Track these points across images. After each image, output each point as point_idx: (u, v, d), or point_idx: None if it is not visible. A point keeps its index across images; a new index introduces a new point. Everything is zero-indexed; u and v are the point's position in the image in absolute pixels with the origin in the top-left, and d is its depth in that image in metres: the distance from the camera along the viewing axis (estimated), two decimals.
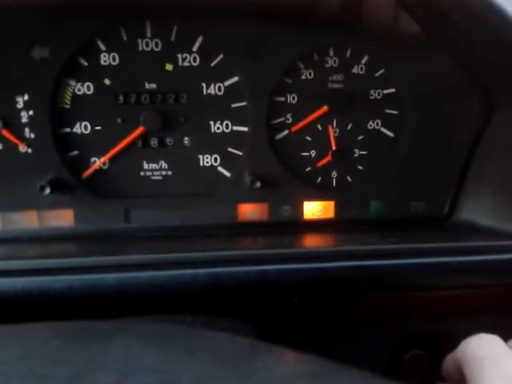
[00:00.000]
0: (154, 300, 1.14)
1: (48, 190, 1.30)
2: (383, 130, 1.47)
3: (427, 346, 1.37)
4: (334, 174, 1.47)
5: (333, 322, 1.28)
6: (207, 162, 1.44)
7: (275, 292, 1.14)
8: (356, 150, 1.47)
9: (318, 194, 1.46)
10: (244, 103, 1.41)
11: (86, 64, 1.34)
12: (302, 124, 1.43)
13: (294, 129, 1.43)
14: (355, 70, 1.43)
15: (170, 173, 1.43)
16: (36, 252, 1.25)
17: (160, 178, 1.43)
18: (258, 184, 1.38)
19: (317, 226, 1.45)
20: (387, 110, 1.46)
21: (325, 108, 1.42)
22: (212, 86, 1.40)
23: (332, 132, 1.44)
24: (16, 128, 1.34)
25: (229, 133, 1.43)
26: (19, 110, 1.34)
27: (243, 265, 1.11)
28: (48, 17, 1.26)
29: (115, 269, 1.10)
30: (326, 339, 1.28)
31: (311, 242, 1.34)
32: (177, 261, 1.12)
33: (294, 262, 1.13)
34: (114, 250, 1.25)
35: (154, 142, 1.41)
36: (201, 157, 1.44)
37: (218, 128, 1.43)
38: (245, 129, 1.42)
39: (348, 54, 1.42)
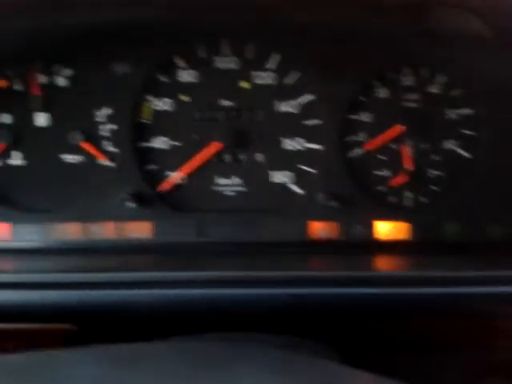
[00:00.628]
0: (234, 317, 1.15)
1: (131, 203, 1.34)
2: (459, 150, 1.44)
3: (504, 375, 1.33)
4: (408, 195, 1.45)
5: (410, 346, 1.26)
6: (279, 179, 1.45)
7: (353, 315, 1.14)
8: (431, 171, 1.45)
9: (391, 214, 1.43)
10: (318, 121, 1.42)
11: (165, 81, 1.38)
12: (376, 142, 1.42)
13: (368, 147, 1.42)
14: (431, 89, 1.41)
15: (242, 188, 1.45)
16: (117, 264, 1.29)
17: (232, 193, 1.45)
18: (334, 203, 1.37)
19: (389, 246, 1.43)
20: (463, 131, 1.43)
21: (400, 128, 1.41)
22: (287, 103, 1.41)
23: (407, 152, 1.42)
24: (96, 141, 1.40)
25: (302, 150, 1.43)
26: (100, 124, 1.39)
27: (324, 286, 1.11)
28: (130, 34, 1.30)
29: (199, 284, 1.12)
30: (404, 364, 1.25)
31: (387, 264, 1.32)
32: (258, 279, 1.13)
33: (374, 286, 1.11)
34: (192, 264, 1.28)
35: (228, 157, 1.43)
36: (273, 173, 1.45)
37: (291, 145, 1.43)
38: (318, 146, 1.43)
39: (424, 73, 1.41)
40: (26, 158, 1.40)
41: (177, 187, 1.43)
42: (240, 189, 1.45)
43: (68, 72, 1.35)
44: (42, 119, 1.37)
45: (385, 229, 1.43)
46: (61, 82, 1.36)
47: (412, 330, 1.27)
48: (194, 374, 0.62)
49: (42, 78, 1.35)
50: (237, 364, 0.65)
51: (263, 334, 1.09)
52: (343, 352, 1.10)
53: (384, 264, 1.34)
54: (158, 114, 1.40)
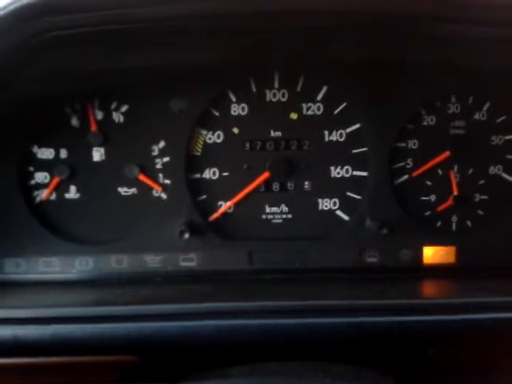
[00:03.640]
0: (288, 345, 1.18)
1: (187, 235, 1.38)
2: (504, 175, 1.46)
3: None
4: (455, 219, 1.47)
5: (464, 372, 1.27)
6: (326, 206, 1.48)
7: (412, 343, 1.15)
8: (477, 195, 1.46)
9: (438, 239, 1.45)
10: (365, 149, 1.44)
11: (217, 114, 1.42)
12: (423, 168, 1.44)
13: (415, 174, 1.45)
14: (477, 116, 1.44)
15: (290, 216, 1.48)
16: (172, 295, 1.32)
17: (280, 221, 1.48)
18: (385, 230, 1.39)
19: (437, 271, 1.44)
20: (508, 156, 1.45)
21: (447, 153, 1.43)
22: (334, 132, 1.44)
23: (453, 177, 1.45)
24: (151, 173, 1.43)
25: (349, 177, 1.46)
26: (154, 157, 1.43)
27: (384, 315, 1.13)
28: (186, 72, 1.34)
29: (256, 315, 1.15)
30: None
31: (438, 290, 1.34)
32: (314, 308, 1.16)
33: (433, 314, 1.14)
34: (245, 294, 1.30)
35: (276, 186, 1.46)
36: (320, 201, 1.48)
37: (338, 173, 1.46)
38: (365, 173, 1.45)
39: (470, 101, 1.43)
40: (81, 191, 1.44)
41: (227, 216, 1.47)
42: (288, 216, 1.48)
43: (124, 108, 1.40)
44: (98, 154, 1.41)
45: (433, 253, 1.46)
46: (117, 117, 1.40)
47: (464, 354, 1.28)
48: None
49: (99, 114, 1.40)
50: None
51: (320, 362, 1.11)
52: (398, 377, 1.11)
53: (435, 290, 1.36)
54: (210, 146, 1.43)
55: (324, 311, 1.18)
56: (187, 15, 1.05)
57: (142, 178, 1.42)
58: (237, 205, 1.46)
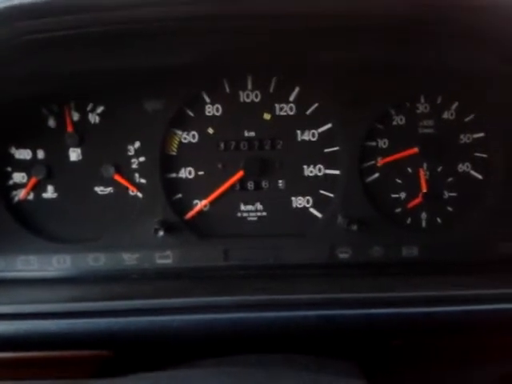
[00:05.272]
0: (261, 339, 1.21)
1: (161, 232, 1.41)
2: (472, 172, 1.50)
3: None
4: (424, 216, 1.51)
5: (431, 363, 1.31)
6: (300, 204, 1.51)
7: (380, 335, 1.19)
8: (446, 192, 1.51)
9: (408, 235, 1.49)
10: (337, 148, 1.48)
11: (192, 115, 1.45)
12: (390, 159, 1.48)
13: (381, 162, 1.48)
14: (446, 115, 1.48)
15: (264, 214, 1.51)
16: (148, 291, 1.35)
17: (255, 218, 1.51)
18: (355, 227, 1.43)
19: (407, 266, 1.48)
20: (476, 154, 1.49)
21: (415, 149, 1.47)
22: (306, 132, 1.48)
23: (423, 174, 1.49)
24: (127, 173, 1.46)
25: (321, 176, 1.50)
26: (130, 157, 1.46)
27: (350, 308, 1.17)
28: (161, 73, 1.37)
29: (229, 309, 1.18)
30: (424, 380, 1.31)
31: (407, 284, 1.37)
32: (286, 302, 1.19)
33: (400, 306, 1.18)
34: (220, 289, 1.33)
35: (250, 185, 1.50)
36: (294, 199, 1.51)
37: (311, 172, 1.50)
38: (337, 172, 1.49)
39: (439, 101, 1.47)
40: (58, 191, 1.47)
41: (202, 215, 1.50)
42: (263, 214, 1.51)
43: (100, 109, 1.42)
44: (74, 154, 1.44)
45: (403, 249, 1.50)
46: (93, 118, 1.43)
47: (433, 346, 1.32)
48: None
49: (76, 116, 1.43)
50: None
51: (290, 354, 1.15)
52: (368, 369, 1.15)
53: (402, 284, 1.39)
54: (184, 145, 1.47)
55: (294, 305, 1.21)
56: (161, 17, 1.08)
57: (117, 177, 1.45)
58: (212, 203, 1.50)
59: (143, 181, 1.46)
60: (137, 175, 1.46)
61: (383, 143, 1.49)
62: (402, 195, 1.51)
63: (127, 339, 1.20)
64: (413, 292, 1.27)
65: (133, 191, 1.47)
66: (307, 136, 1.48)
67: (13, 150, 1.45)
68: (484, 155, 1.50)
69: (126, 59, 1.23)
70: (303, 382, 0.77)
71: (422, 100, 1.47)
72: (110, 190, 1.47)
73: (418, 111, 1.48)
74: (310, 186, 1.50)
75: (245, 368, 0.98)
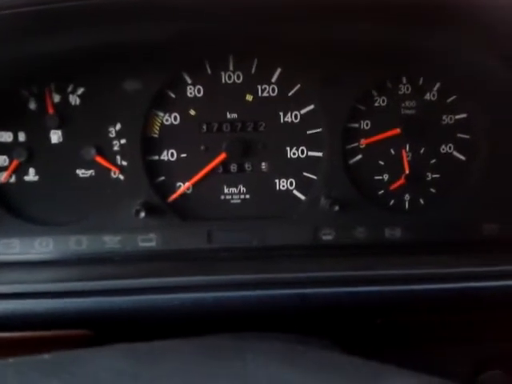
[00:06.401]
0: (243, 318, 1.21)
1: (143, 214, 1.41)
2: (455, 153, 1.50)
3: (504, 367, 1.38)
4: (407, 197, 1.51)
5: (411, 342, 1.32)
6: (283, 186, 1.51)
7: (361, 314, 1.20)
8: (429, 174, 1.51)
9: (391, 217, 1.50)
10: (319, 130, 1.48)
11: (173, 96, 1.45)
12: (373, 139, 1.48)
13: (364, 142, 1.48)
14: (427, 96, 1.48)
15: (248, 196, 1.51)
16: (130, 271, 1.35)
17: (239, 201, 1.51)
18: (337, 208, 1.43)
19: (389, 247, 1.48)
20: (459, 135, 1.50)
21: (397, 130, 1.47)
22: (289, 114, 1.48)
23: (405, 156, 1.49)
24: (108, 155, 1.46)
25: (304, 158, 1.50)
26: (111, 139, 1.45)
27: (332, 286, 1.17)
28: (140, 52, 1.37)
29: (212, 288, 1.19)
30: (405, 359, 1.31)
31: (389, 263, 1.37)
32: (268, 281, 1.19)
33: (381, 284, 1.18)
34: (203, 269, 1.34)
35: (233, 167, 1.50)
36: (277, 181, 1.51)
37: (294, 154, 1.50)
38: (320, 154, 1.49)
39: (421, 82, 1.47)
40: (40, 173, 1.46)
41: (185, 197, 1.50)
42: (246, 196, 1.51)
43: (80, 90, 1.42)
44: (55, 136, 1.43)
45: (385, 230, 1.50)
46: (74, 100, 1.42)
47: (414, 326, 1.33)
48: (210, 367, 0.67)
49: (56, 97, 1.42)
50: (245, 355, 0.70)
51: (267, 333, 1.15)
52: (347, 348, 1.15)
53: (386, 263, 1.39)
54: (167, 128, 1.46)
55: (276, 283, 1.22)
56: None
57: (98, 159, 1.44)
58: (195, 186, 1.49)
59: (125, 163, 1.46)
60: (118, 157, 1.46)
61: (365, 124, 1.49)
62: (385, 177, 1.51)
63: (110, 318, 1.20)
64: (394, 270, 1.28)
65: (114, 174, 1.46)
66: (290, 118, 1.48)
67: None
68: (467, 136, 1.50)
69: (104, 37, 1.22)
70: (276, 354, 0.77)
71: (404, 81, 1.47)
72: (91, 172, 1.46)
73: (400, 92, 1.47)
74: (293, 168, 1.50)
75: (221, 342, 0.97)
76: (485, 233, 1.51)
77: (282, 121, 1.48)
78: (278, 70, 1.45)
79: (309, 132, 1.48)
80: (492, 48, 1.34)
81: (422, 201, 1.52)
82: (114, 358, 0.73)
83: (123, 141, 1.45)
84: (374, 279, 1.23)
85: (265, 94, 1.46)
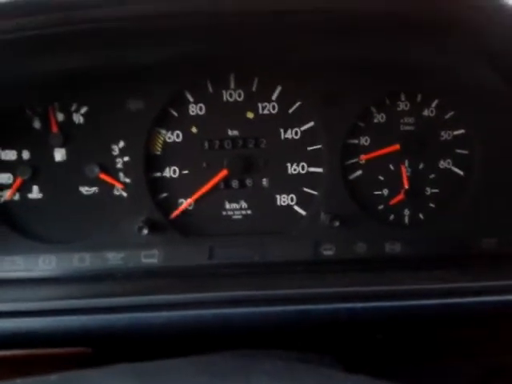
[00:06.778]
0: (244, 335, 1.22)
1: (146, 230, 1.42)
2: (454, 169, 1.52)
3: (506, 381, 1.39)
4: (407, 212, 1.53)
5: (412, 357, 1.33)
6: (284, 202, 1.53)
7: (361, 329, 1.20)
8: (428, 189, 1.52)
9: (391, 232, 1.51)
10: (319, 146, 1.50)
11: (175, 114, 1.47)
12: (373, 155, 1.50)
13: (363, 158, 1.50)
14: (426, 112, 1.50)
15: (249, 212, 1.53)
16: (133, 289, 1.36)
17: (240, 217, 1.53)
18: (337, 223, 1.45)
19: (389, 262, 1.50)
20: (457, 150, 1.52)
21: (396, 146, 1.49)
22: (289, 130, 1.50)
23: (404, 171, 1.51)
24: (111, 173, 1.48)
25: (304, 174, 1.52)
26: (115, 157, 1.47)
27: (333, 302, 1.18)
28: (143, 72, 1.39)
29: (213, 305, 1.19)
30: (407, 374, 1.32)
31: (389, 279, 1.38)
32: (269, 298, 1.20)
33: (382, 300, 1.19)
34: (204, 286, 1.35)
35: (235, 183, 1.51)
36: (278, 197, 1.53)
37: (295, 170, 1.52)
38: (320, 170, 1.51)
39: (419, 98, 1.49)
40: (44, 191, 1.48)
41: (187, 213, 1.51)
42: (247, 212, 1.53)
43: (84, 109, 1.44)
44: (59, 154, 1.45)
45: (386, 245, 1.51)
46: (77, 118, 1.45)
47: (417, 341, 1.34)
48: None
49: (60, 116, 1.44)
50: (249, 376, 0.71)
51: (270, 350, 1.16)
52: (347, 364, 1.16)
53: (386, 278, 1.40)
54: (168, 145, 1.48)
55: (277, 300, 1.23)
56: (143, 16, 1.10)
57: (102, 176, 1.46)
58: (197, 202, 1.51)
59: (128, 180, 1.48)
60: (121, 175, 1.48)
61: (365, 140, 1.51)
62: (385, 192, 1.53)
63: (111, 336, 1.21)
64: (395, 286, 1.29)
65: (117, 191, 1.48)
66: (290, 134, 1.50)
67: None
68: (465, 151, 1.52)
69: (107, 58, 1.25)
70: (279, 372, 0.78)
71: (403, 98, 1.49)
72: (94, 189, 1.48)
73: (399, 109, 1.50)
74: (293, 184, 1.52)
75: (224, 361, 0.98)
76: (484, 247, 1.52)
77: (282, 137, 1.50)
78: (279, 88, 1.47)
79: (309, 148, 1.50)
80: (490, 64, 1.36)
81: (421, 216, 1.54)
82: (121, 378, 0.74)
83: (126, 158, 1.47)
84: (374, 295, 1.24)
85: (265, 112, 1.48)
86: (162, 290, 1.32)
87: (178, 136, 1.48)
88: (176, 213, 1.50)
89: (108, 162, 1.47)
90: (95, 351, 1.20)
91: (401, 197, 1.51)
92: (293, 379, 0.69)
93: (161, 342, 1.23)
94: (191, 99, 1.46)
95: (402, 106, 1.50)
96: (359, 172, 1.52)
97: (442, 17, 1.16)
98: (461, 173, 1.53)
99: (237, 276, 1.44)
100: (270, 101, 1.48)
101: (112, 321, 1.20)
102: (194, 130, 1.48)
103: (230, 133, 1.49)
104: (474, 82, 1.44)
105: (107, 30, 1.11)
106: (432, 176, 1.52)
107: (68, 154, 1.46)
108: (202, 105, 1.47)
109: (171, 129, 1.47)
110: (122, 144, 1.46)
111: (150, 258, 1.48)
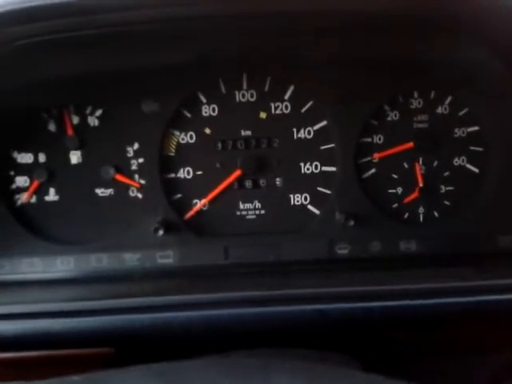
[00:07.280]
0: (261, 334, 1.23)
1: (161, 231, 1.43)
2: (468, 166, 1.51)
3: None
4: (422, 210, 1.53)
5: (425, 355, 1.33)
6: (298, 201, 1.53)
7: (377, 328, 1.21)
8: (442, 187, 1.52)
9: (406, 230, 1.51)
10: (332, 145, 1.50)
11: (189, 116, 1.48)
12: (386, 153, 1.49)
13: (377, 156, 1.50)
14: (439, 110, 1.49)
15: (263, 212, 1.53)
16: (150, 289, 1.37)
17: (254, 216, 1.53)
18: (352, 222, 1.45)
19: (404, 260, 1.49)
20: (472, 147, 1.51)
21: (410, 144, 1.49)
22: (302, 130, 1.50)
23: (418, 169, 1.50)
24: (126, 174, 1.49)
25: (318, 173, 1.52)
26: (130, 158, 1.49)
27: (349, 301, 1.19)
28: (157, 74, 1.40)
29: (229, 305, 1.20)
30: (428, 370, 1.32)
31: (405, 277, 1.38)
32: (285, 297, 1.21)
33: (398, 299, 1.19)
34: (220, 286, 1.36)
35: (248, 183, 1.52)
36: (292, 196, 1.53)
37: (308, 169, 1.52)
38: (333, 169, 1.51)
39: (432, 96, 1.49)
40: (60, 193, 1.50)
41: (202, 214, 1.52)
42: (261, 212, 1.53)
43: (99, 112, 1.46)
44: (75, 157, 1.47)
45: (400, 244, 1.51)
46: (92, 121, 1.46)
47: (433, 337, 1.34)
48: None
49: (75, 119, 1.46)
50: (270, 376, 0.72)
51: (290, 349, 1.17)
52: (365, 362, 1.17)
53: (402, 277, 1.40)
54: (182, 146, 1.49)
55: (293, 299, 1.23)
56: (155, 19, 1.11)
57: (118, 177, 1.48)
58: (211, 202, 1.52)
59: (143, 181, 1.49)
60: (136, 176, 1.49)
61: (378, 139, 1.50)
62: (399, 190, 1.52)
63: (131, 336, 1.22)
64: (410, 284, 1.29)
65: (133, 192, 1.50)
66: (303, 134, 1.50)
67: (15, 155, 1.48)
68: (479, 149, 1.51)
69: (122, 61, 1.26)
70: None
71: (416, 95, 1.49)
72: (110, 191, 1.49)
73: (412, 106, 1.49)
74: (307, 183, 1.52)
75: (244, 362, 1.00)
76: (499, 244, 1.51)
77: (295, 137, 1.50)
78: (291, 88, 1.47)
79: (322, 147, 1.51)
80: (503, 60, 1.35)
81: (436, 213, 1.53)
82: (143, 379, 0.75)
83: (141, 160, 1.48)
84: (390, 294, 1.24)
85: (278, 111, 1.49)
86: (179, 290, 1.33)
87: (191, 137, 1.49)
88: (191, 213, 1.51)
89: (123, 163, 1.49)
90: (117, 351, 1.21)
91: (415, 195, 1.51)
92: (312, 379, 0.70)
93: (179, 342, 1.24)
94: (204, 100, 1.47)
95: (416, 103, 1.49)
96: (373, 170, 1.51)
97: (456, 15, 1.16)
98: (475, 170, 1.52)
99: (252, 276, 1.45)
100: (282, 100, 1.48)
101: (131, 321, 1.22)
102: (207, 130, 1.49)
103: (242, 133, 1.49)
104: (488, 79, 1.43)
105: (123, 34, 1.12)
106: (446, 173, 1.52)
107: (83, 156, 1.48)
108: (214, 106, 1.48)
109: (185, 130, 1.48)
110: (136, 146, 1.48)
111: (166, 258, 1.49)
